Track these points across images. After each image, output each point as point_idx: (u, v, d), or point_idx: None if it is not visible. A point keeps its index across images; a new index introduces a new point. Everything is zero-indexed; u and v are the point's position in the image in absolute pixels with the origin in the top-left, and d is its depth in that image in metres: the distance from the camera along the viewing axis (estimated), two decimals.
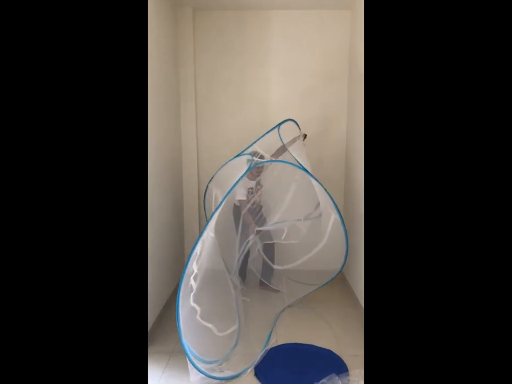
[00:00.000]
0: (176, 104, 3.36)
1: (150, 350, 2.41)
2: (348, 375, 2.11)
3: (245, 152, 2.86)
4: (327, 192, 2.58)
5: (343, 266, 2.89)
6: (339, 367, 2.19)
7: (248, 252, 3.09)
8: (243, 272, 3.26)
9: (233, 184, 2.32)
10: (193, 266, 2.06)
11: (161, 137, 2.85)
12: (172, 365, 2.26)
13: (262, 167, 3.04)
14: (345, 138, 3.61)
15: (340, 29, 3.45)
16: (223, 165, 2.97)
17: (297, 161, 2.58)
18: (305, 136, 3.06)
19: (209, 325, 2.19)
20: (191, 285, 2.07)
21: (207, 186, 3.13)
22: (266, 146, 2.88)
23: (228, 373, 2.17)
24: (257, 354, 2.32)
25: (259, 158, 2.93)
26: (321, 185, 2.59)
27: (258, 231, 2.99)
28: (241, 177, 2.35)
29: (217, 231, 2.38)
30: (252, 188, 3.03)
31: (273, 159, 2.76)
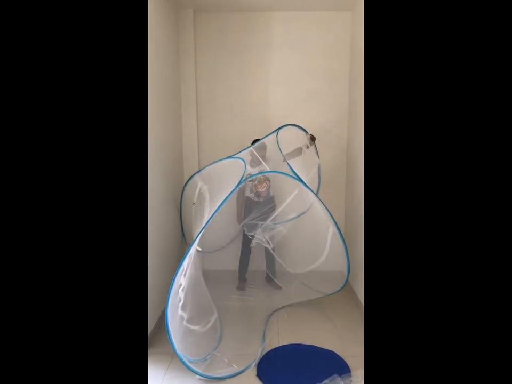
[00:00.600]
0: (177, 105, 3.37)
1: (152, 351, 2.41)
2: (350, 375, 2.11)
3: (238, 155, 2.87)
4: (326, 207, 2.61)
5: (346, 281, 2.93)
6: (341, 367, 2.18)
7: (272, 250, 3.13)
8: (271, 269, 3.36)
9: (223, 200, 2.33)
10: (181, 280, 2.13)
11: (162, 137, 2.86)
12: (173, 366, 2.25)
13: (264, 154, 3.07)
14: (346, 138, 3.62)
15: (340, 30, 3.46)
16: (214, 162, 3.06)
17: (294, 172, 2.55)
18: (312, 138, 3.01)
19: (195, 327, 2.33)
20: (179, 297, 2.15)
21: (190, 177, 3.23)
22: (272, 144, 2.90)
23: (230, 371, 2.19)
24: (257, 352, 2.35)
25: (260, 149, 3.04)
26: (317, 196, 2.68)
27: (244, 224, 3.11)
28: (231, 192, 2.37)
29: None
30: (249, 175, 2.98)
31: (286, 159, 2.73)
